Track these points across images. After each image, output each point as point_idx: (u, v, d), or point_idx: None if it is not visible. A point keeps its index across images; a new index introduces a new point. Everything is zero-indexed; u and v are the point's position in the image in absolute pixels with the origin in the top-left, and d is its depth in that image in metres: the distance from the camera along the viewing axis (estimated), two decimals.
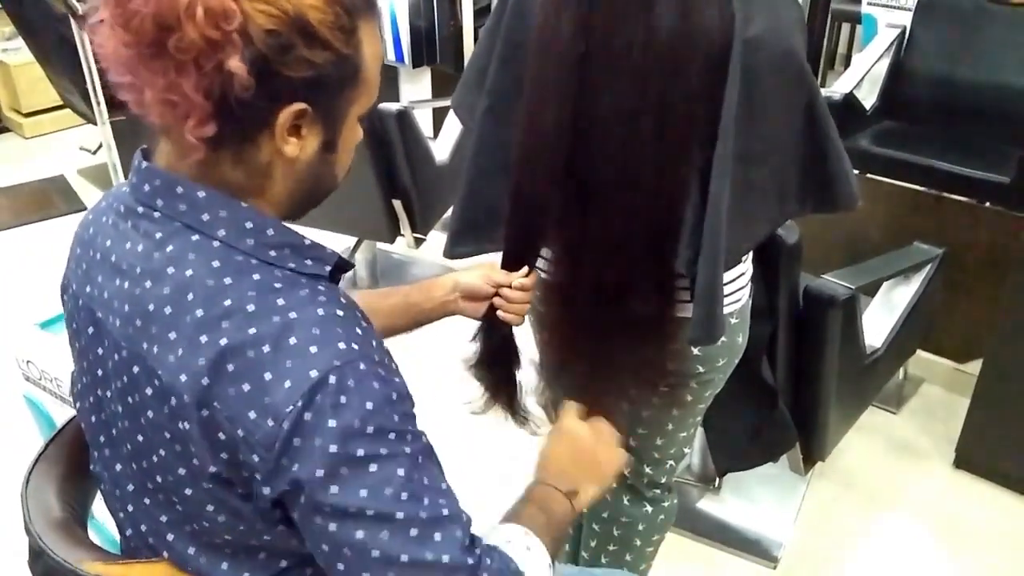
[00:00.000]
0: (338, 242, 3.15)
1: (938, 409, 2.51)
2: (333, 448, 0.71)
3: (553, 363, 1.35)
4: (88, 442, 0.91)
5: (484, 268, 1.20)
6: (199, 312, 0.73)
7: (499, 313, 1.20)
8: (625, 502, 1.55)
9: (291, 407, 0.71)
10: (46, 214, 3.66)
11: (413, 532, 0.74)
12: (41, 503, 0.92)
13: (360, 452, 0.72)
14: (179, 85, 0.70)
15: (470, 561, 0.78)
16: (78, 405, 0.90)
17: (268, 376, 0.71)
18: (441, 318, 1.22)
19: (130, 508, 0.85)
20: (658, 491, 1.55)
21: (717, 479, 2.21)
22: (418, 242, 2.73)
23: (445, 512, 0.77)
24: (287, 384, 0.71)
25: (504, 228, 1.20)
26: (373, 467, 0.73)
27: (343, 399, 0.72)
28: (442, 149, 2.70)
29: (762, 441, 1.87)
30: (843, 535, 2.11)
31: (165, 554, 0.83)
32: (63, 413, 1.57)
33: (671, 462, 1.51)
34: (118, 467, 0.85)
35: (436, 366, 2.40)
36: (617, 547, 1.60)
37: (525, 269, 1.20)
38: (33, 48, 3.68)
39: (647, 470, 1.51)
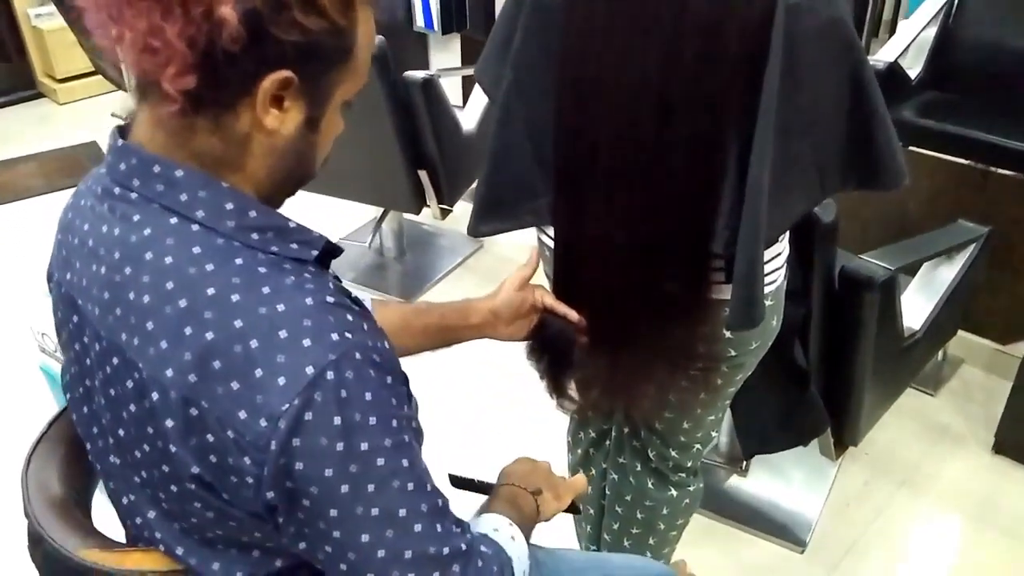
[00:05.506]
0: (366, 212, 3.13)
1: (978, 392, 2.43)
2: (340, 446, 0.69)
3: (583, 344, 1.32)
4: (81, 434, 0.88)
5: (515, 293, 1.17)
6: (182, 302, 0.70)
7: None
8: (649, 485, 1.52)
9: (287, 405, 0.67)
10: (77, 180, 3.62)
11: (417, 528, 0.74)
12: (42, 485, 0.90)
13: (364, 446, 0.70)
14: (162, 29, 0.65)
15: (464, 547, 0.78)
16: (68, 396, 0.87)
17: (259, 373, 0.68)
18: (475, 339, 1.20)
19: (124, 501, 0.83)
20: (683, 475, 1.52)
21: (745, 460, 2.17)
22: (444, 213, 2.69)
23: (440, 502, 0.77)
24: (281, 381, 0.67)
25: (554, 205, 1.18)
26: (380, 461, 0.71)
27: (343, 393, 0.69)
28: (469, 119, 2.65)
29: (792, 425, 1.82)
30: (874, 520, 2.06)
31: (162, 548, 0.80)
32: None
33: (698, 446, 1.48)
34: (111, 458, 0.82)
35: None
36: (640, 530, 1.58)
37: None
38: (64, 14, 3.68)
39: (673, 454, 1.47)
